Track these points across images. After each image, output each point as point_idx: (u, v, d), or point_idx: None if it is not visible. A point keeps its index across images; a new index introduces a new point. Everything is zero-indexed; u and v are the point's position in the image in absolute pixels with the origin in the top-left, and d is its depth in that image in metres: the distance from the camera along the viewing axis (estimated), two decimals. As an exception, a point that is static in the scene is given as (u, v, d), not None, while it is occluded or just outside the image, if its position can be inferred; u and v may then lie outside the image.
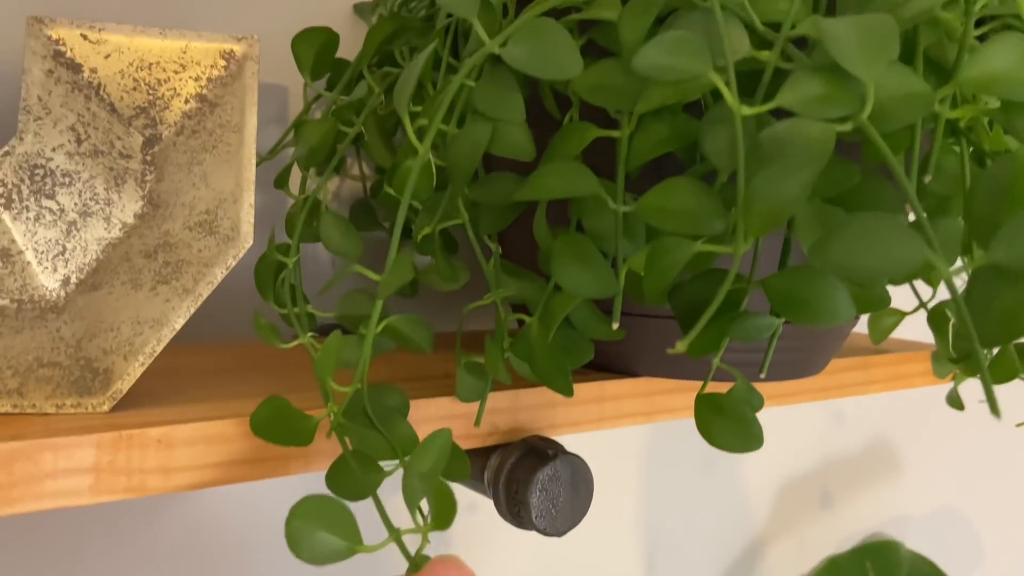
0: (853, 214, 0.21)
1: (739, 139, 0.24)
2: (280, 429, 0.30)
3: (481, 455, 0.38)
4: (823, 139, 0.23)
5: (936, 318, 0.39)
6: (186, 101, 0.35)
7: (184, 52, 0.35)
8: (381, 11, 0.44)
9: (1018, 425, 0.49)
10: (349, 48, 0.53)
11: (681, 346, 0.24)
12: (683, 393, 0.43)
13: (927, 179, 0.27)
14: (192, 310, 0.32)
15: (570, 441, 0.67)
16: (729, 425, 0.30)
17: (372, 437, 0.29)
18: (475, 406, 0.35)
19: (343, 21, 0.53)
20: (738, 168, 0.24)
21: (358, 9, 0.53)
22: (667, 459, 0.76)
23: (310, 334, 0.36)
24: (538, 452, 0.35)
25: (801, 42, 0.27)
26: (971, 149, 0.29)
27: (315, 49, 0.41)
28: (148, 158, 0.35)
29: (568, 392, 0.31)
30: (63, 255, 0.34)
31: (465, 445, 0.36)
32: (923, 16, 0.25)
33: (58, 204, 0.34)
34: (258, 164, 0.46)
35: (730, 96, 0.24)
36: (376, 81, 0.43)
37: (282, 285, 0.38)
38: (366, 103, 0.41)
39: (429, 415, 0.34)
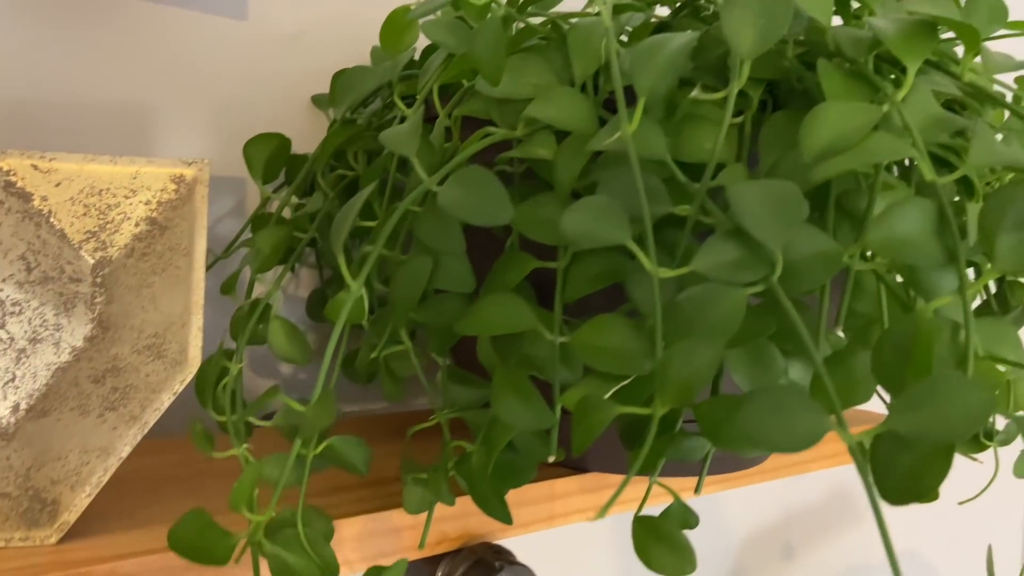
0: (755, 391, 0.22)
1: (656, 301, 0.25)
2: (198, 546, 0.30)
3: (430, 563, 0.38)
4: (735, 307, 0.24)
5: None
6: (136, 224, 0.36)
7: (134, 178, 0.36)
8: (334, 114, 0.45)
9: (961, 503, 0.51)
10: (307, 138, 0.54)
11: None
12: (632, 486, 0.44)
13: (839, 331, 0.28)
14: (139, 438, 0.33)
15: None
16: (665, 551, 0.31)
17: (292, 562, 0.30)
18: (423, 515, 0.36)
19: (302, 112, 0.54)
20: (656, 328, 0.25)
21: (315, 100, 0.54)
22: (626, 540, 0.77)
23: (244, 445, 0.36)
24: (485, 564, 0.36)
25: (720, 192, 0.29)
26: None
27: (266, 153, 0.42)
28: (98, 280, 0.36)
29: (507, 520, 0.32)
30: (13, 382, 0.34)
31: (413, 556, 0.37)
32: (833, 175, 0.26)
33: (8, 333, 0.34)
34: (212, 265, 0.47)
35: (647, 262, 0.25)
36: (329, 185, 0.44)
37: (223, 390, 0.38)
38: (321, 209, 0.42)
39: (377, 529, 0.35)
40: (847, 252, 0.26)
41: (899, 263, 0.25)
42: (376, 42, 0.57)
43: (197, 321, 0.35)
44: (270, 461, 0.32)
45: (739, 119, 0.32)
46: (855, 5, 0.35)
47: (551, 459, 0.31)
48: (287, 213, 0.50)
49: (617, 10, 0.34)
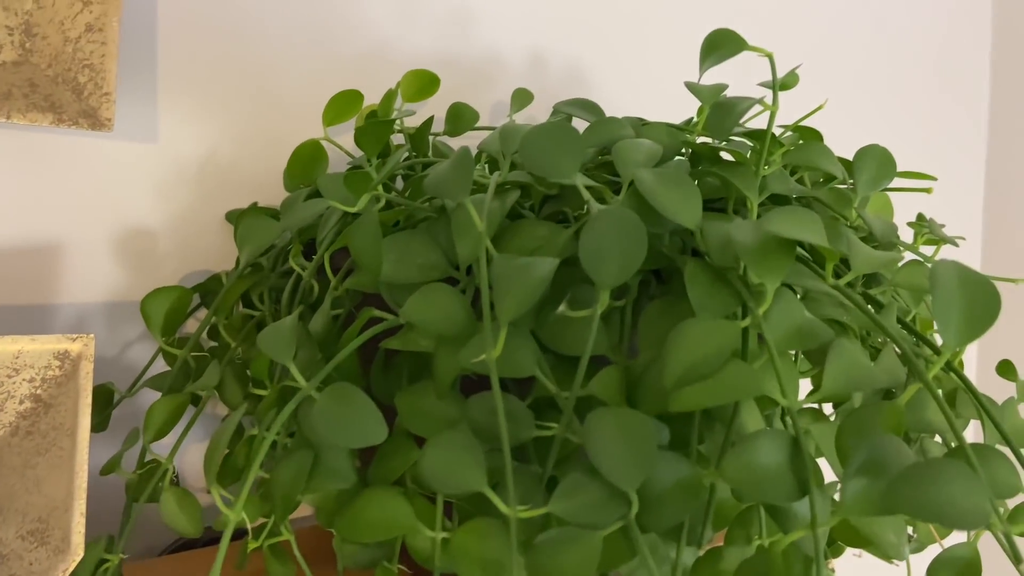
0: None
1: (513, 542, 0.25)
2: None
3: None
4: (590, 552, 0.24)
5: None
6: (20, 402, 0.35)
7: (17, 357, 0.35)
8: (239, 259, 0.45)
9: (857, 556, 0.51)
10: (224, 254, 0.54)
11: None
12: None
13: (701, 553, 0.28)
14: (18, 636, 0.32)
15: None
16: None
17: None
18: None
19: (217, 229, 0.53)
20: (512, 570, 0.25)
21: (229, 217, 0.54)
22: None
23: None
24: None
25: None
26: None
27: (165, 308, 0.41)
28: (-19, 460, 0.35)
29: None
30: None
31: None
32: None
33: None
34: (118, 403, 0.46)
35: (503, 506, 0.25)
36: (233, 332, 0.44)
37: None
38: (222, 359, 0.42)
39: None
40: (708, 477, 0.26)
41: (754, 498, 0.25)
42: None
43: (80, 506, 0.34)
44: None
45: (620, 302, 0.32)
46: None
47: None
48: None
49: (499, 191, 0.34)
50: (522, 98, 0.56)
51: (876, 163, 0.39)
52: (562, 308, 0.29)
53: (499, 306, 0.27)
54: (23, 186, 0.46)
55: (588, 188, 0.31)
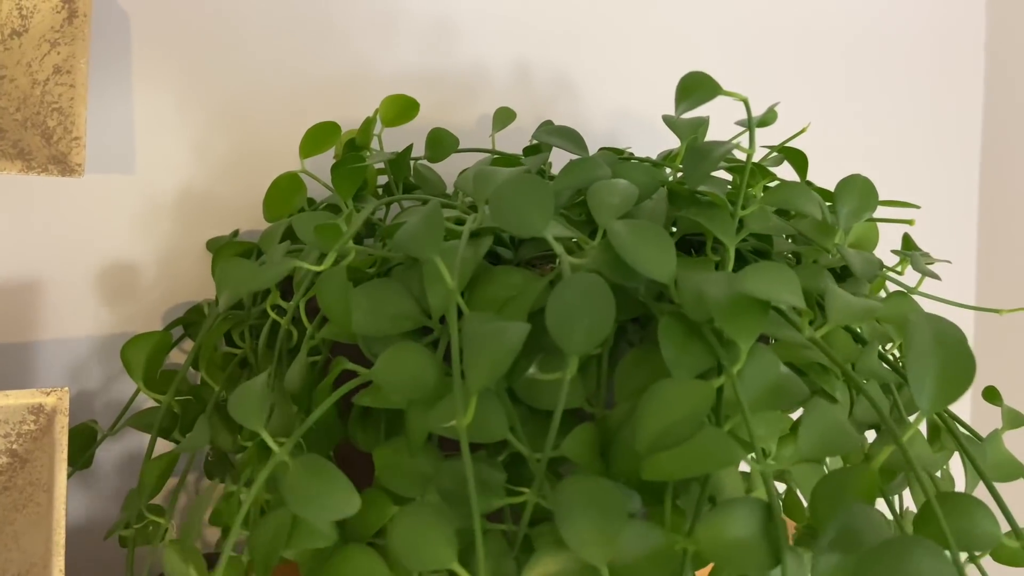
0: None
1: None
2: None
3: None
4: None
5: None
6: (-4, 457, 0.35)
7: (-10, 412, 0.35)
8: (218, 299, 0.44)
9: None
10: (205, 283, 0.53)
11: None
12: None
13: None
14: None
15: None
16: None
17: None
18: None
19: (197, 258, 0.53)
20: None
21: (209, 246, 0.53)
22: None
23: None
24: None
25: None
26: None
27: (146, 354, 0.41)
28: (-41, 517, 0.35)
29: None
30: None
31: None
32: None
33: None
34: (101, 441, 0.46)
35: None
36: (215, 372, 0.43)
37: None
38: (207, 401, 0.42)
39: None
40: (680, 544, 0.26)
41: (729, 570, 0.25)
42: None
43: (58, 563, 0.34)
44: None
45: (597, 351, 0.31)
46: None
47: None
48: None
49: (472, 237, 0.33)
50: (504, 117, 0.55)
51: (858, 194, 0.38)
52: (532, 371, 0.28)
53: (470, 374, 0.27)
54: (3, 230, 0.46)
55: (561, 240, 0.31)
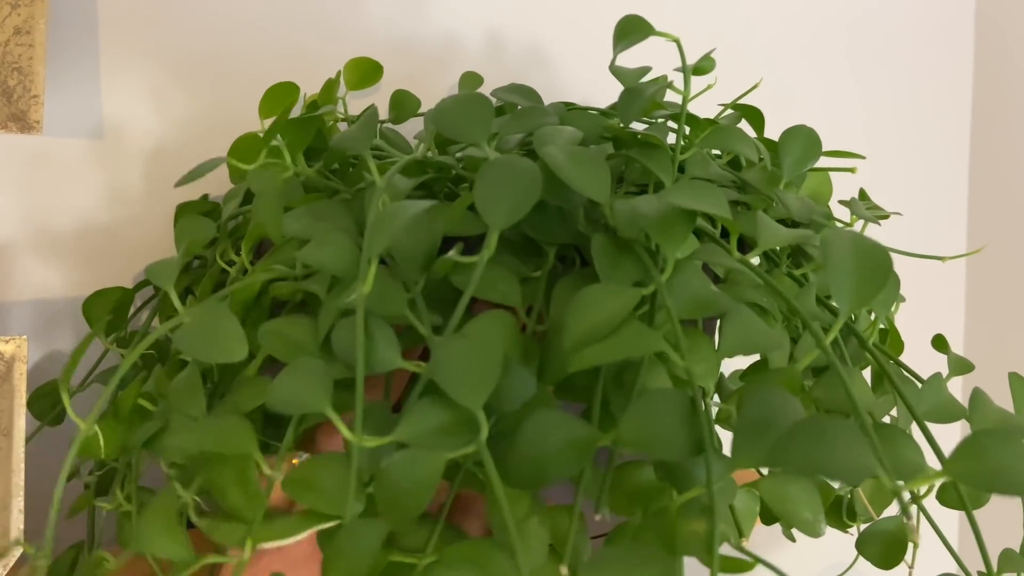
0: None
1: (352, 473, 0.26)
2: None
3: None
4: (431, 474, 0.25)
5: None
6: (-43, 404, 0.36)
7: (-50, 359, 0.36)
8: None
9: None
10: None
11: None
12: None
13: (598, 517, 0.28)
14: (-41, 628, 0.33)
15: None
16: None
17: None
18: None
19: (167, 225, 0.54)
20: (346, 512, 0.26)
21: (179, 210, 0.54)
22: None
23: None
24: None
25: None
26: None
27: (108, 308, 0.42)
28: (-78, 462, 0.36)
29: None
30: None
31: None
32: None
33: None
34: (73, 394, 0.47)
35: (346, 432, 0.26)
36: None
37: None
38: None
39: None
40: (607, 439, 0.26)
41: (648, 452, 0.26)
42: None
43: (18, 504, 0.35)
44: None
45: (537, 274, 0.32)
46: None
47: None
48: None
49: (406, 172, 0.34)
50: (471, 82, 0.56)
51: (802, 144, 0.39)
52: (452, 253, 0.29)
53: (368, 242, 0.27)
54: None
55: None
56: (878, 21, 0.86)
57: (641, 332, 0.26)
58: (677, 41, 0.33)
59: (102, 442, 0.32)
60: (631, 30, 0.33)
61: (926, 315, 0.32)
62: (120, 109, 0.51)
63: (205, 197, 0.52)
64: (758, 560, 0.27)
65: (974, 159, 0.92)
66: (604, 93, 0.71)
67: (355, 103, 0.54)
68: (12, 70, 0.39)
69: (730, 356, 0.28)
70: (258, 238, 0.37)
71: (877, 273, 0.25)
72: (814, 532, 0.33)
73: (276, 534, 0.27)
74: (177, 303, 0.32)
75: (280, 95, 0.46)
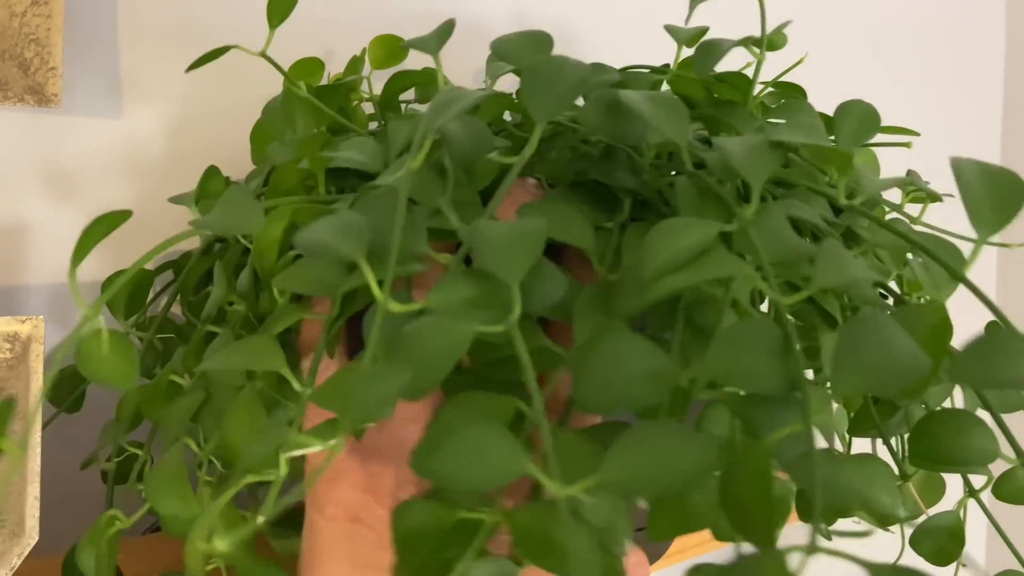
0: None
1: (375, 329, 0.23)
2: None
3: None
4: (457, 341, 0.23)
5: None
6: (-28, 385, 0.35)
7: (-35, 339, 0.35)
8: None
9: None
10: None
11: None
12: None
13: None
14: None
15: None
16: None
17: None
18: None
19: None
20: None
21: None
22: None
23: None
24: None
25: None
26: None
27: (126, 291, 0.40)
28: (-65, 445, 0.35)
29: None
30: None
31: None
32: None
33: None
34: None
35: (378, 291, 0.24)
36: (198, 312, 0.42)
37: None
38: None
39: None
40: (686, 376, 0.24)
41: (739, 385, 0.24)
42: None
43: (33, 491, 0.33)
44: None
45: (609, 224, 0.30)
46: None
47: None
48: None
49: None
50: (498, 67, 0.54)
51: (858, 119, 0.37)
52: (494, 155, 0.28)
53: (426, 119, 0.26)
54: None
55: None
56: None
57: (726, 257, 0.24)
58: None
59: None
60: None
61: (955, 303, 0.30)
62: (140, 86, 0.49)
63: (227, 180, 0.50)
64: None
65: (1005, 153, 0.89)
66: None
67: (379, 85, 0.53)
68: (29, 41, 0.38)
69: (827, 287, 0.27)
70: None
71: (1011, 197, 0.24)
72: (894, 516, 0.30)
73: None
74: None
75: (305, 70, 0.44)
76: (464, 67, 0.61)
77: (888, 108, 0.85)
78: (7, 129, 0.46)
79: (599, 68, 0.35)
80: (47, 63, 0.38)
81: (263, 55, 0.40)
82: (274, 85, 0.49)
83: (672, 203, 0.28)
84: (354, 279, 0.25)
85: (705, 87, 0.34)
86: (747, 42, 0.32)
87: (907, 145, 0.40)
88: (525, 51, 0.30)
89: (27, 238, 0.47)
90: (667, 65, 0.39)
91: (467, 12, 0.61)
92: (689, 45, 0.37)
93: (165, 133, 0.50)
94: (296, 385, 0.27)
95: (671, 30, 0.37)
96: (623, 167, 0.30)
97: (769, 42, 0.37)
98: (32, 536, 0.33)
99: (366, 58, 0.48)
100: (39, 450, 0.34)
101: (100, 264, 0.49)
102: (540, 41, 0.30)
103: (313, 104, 0.37)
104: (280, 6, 0.40)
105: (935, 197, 0.37)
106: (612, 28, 0.67)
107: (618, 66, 0.56)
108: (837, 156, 0.28)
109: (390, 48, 0.48)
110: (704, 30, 0.36)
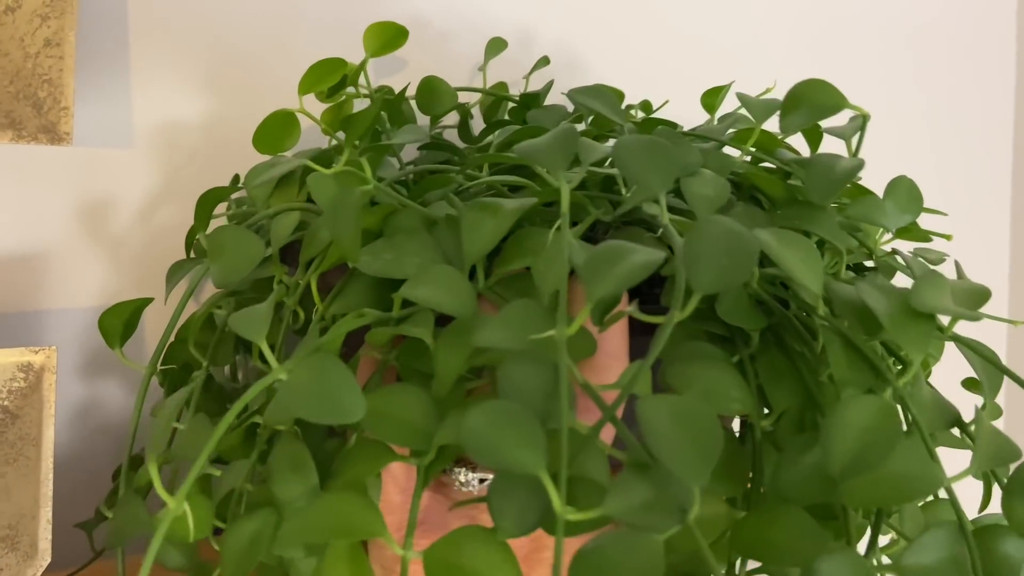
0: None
1: (559, 542, 0.21)
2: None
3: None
4: (652, 558, 0.21)
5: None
6: (-12, 413, 0.37)
7: (-19, 369, 0.36)
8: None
9: None
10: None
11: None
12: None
13: None
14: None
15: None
16: None
17: None
18: None
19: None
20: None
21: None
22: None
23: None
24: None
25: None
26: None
27: (123, 321, 0.40)
28: (-46, 470, 0.36)
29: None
30: None
31: None
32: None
33: None
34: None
35: (558, 502, 0.22)
36: (203, 351, 0.41)
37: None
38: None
39: None
40: (879, 572, 0.24)
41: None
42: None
43: (46, 514, 0.35)
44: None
45: (735, 358, 0.30)
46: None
47: None
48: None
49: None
50: (496, 46, 0.54)
51: (905, 196, 0.37)
52: (632, 307, 0.25)
53: (590, 286, 0.24)
54: (2, 197, 0.47)
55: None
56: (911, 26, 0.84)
57: (922, 464, 0.24)
58: (865, 116, 0.32)
59: (191, 523, 0.27)
60: (821, 96, 0.32)
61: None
62: (151, 117, 0.51)
63: (236, 178, 0.50)
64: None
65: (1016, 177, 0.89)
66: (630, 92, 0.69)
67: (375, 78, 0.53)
68: (42, 82, 0.40)
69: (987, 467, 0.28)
70: (334, 265, 0.33)
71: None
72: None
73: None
74: (271, 357, 0.26)
75: (326, 70, 0.41)
76: (464, 67, 0.61)
77: (900, 118, 0.85)
78: (23, 161, 0.47)
79: (686, 149, 0.33)
80: (59, 103, 0.39)
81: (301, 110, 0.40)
82: (286, 103, 0.49)
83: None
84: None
85: (785, 186, 0.34)
86: (863, 164, 0.32)
87: (948, 236, 0.41)
88: (650, 171, 0.29)
89: (40, 266, 0.48)
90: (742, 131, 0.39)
91: (469, 24, 0.60)
92: (763, 119, 0.37)
93: (176, 162, 0.52)
94: (397, 550, 0.25)
95: (743, 100, 0.37)
96: (746, 301, 0.30)
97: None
98: (45, 558, 0.35)
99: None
100: (51, 475, 0.35)
101: (113, 289, 0.50)
102: (665, 155, 0.29)
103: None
104: (315, 80, 0.41)
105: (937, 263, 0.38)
106: (611, 46, 0.67)
107: (623, 88, 0.55)
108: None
109: (389, 35, 0.45)
110: (778, 105, 0.36)
